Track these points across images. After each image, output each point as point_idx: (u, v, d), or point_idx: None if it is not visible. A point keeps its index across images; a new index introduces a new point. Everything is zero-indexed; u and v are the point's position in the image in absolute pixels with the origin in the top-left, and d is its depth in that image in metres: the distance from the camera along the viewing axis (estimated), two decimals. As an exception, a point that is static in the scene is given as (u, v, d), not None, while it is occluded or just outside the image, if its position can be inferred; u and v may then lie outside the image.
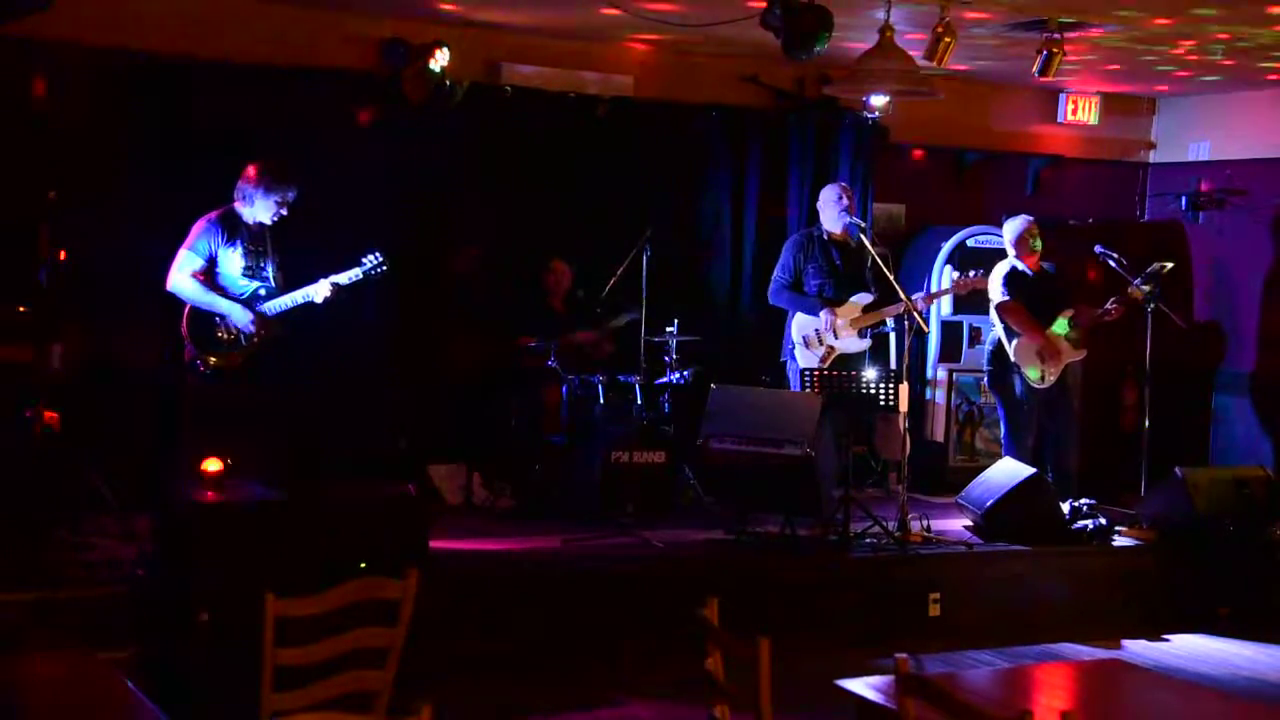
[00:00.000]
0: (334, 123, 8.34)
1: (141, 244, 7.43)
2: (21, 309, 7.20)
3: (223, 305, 6.93)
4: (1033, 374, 8.50)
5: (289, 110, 8.21)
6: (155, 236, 7.20)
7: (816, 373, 7.91)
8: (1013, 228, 8.67)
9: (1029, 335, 8.51)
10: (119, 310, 7.80)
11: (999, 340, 8.64)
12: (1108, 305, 8.52)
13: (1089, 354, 8.72)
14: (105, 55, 7.82)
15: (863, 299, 8.28)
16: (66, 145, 7.72)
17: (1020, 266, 8.61)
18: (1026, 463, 8.38)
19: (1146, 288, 8.59)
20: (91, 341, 7.77)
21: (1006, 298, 8.52)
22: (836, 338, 8.21)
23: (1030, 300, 8.54)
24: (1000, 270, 8.63)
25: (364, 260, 7.04)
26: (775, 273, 8.47)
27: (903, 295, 7.84)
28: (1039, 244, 8.58)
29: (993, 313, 8.65)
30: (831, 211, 8.35)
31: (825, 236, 8.38)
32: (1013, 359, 8.53)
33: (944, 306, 9.91)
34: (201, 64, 8.03)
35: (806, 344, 8.26)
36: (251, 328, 6.93)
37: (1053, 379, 8.55)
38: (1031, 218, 8.72)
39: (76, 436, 7.18)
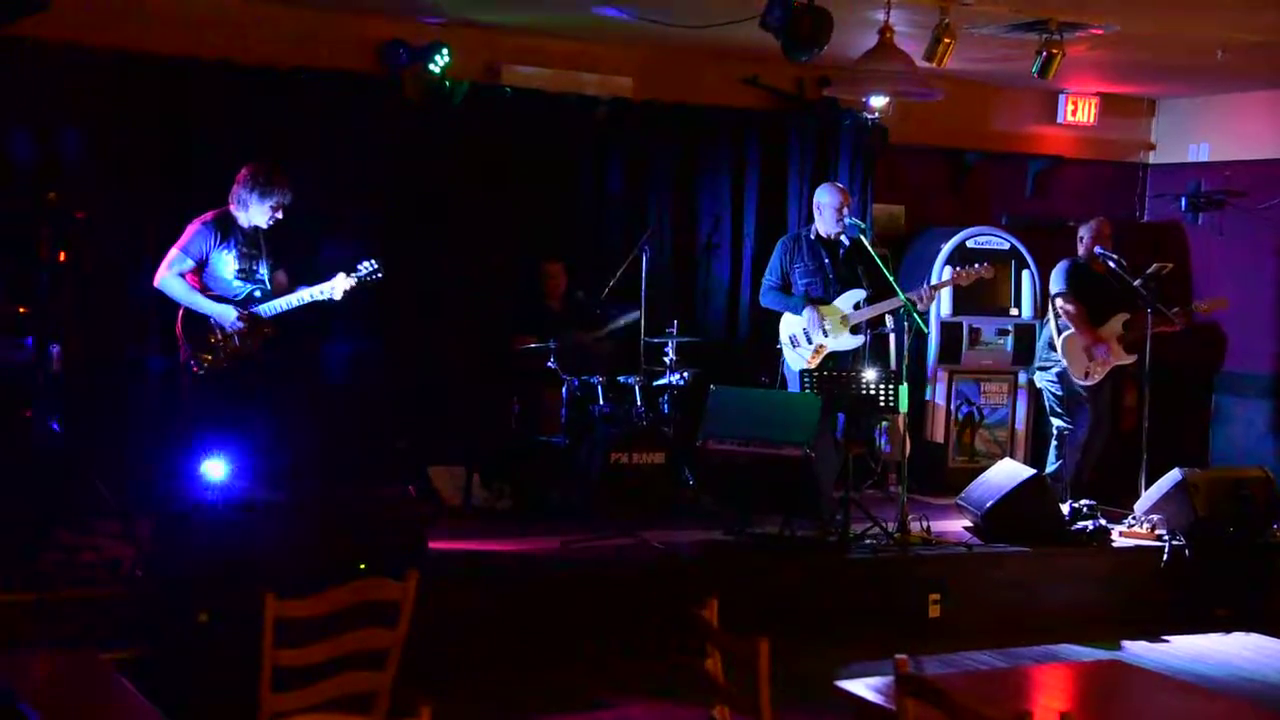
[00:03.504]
0: (334, 124, 8.34)
1: (140, 245, 7.42)
2: (21, 309, 7.20)
3: (208, 307, 6.90)
4: (1076, 369, 8.62)
5: (289, 111, 8.21)
6: (154, 237, 7.20)
7: (816, 373, 7.91)
8: (1087, 225, 8.92)
9: (1079, 330, 8.62)
10: (118, 311, 7.80)
11: (1051, 335, 8.81)
12: (1171, 315, 8.62)
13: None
14: (105, 55, 7.81)
15: (854, 296, 8.27)
16: (67, 146, 7.71)
17: (1083, 262, 8.80)
18: (1079, 459, 8.64)
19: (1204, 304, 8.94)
20: (91, 342, 7.77)
21: (1063, 289, 8.70)
22: (826, 335, 8.21)
23: (1088, 298, 8.68)
24: (1062, 264, 8.83)
25: (359, 266, 7.03)
26: (765, 276, 8.50)
27: (899, 292, 7.85)
28: (1107, 243, 8.78)
29: (1053, 308, 8.83)
30: (830, 215, 8.32)
31: (814, 237, 8.37)
32: (1059, 352, 8.61)
33: (944, 308, 9.91)
34: (201, 64, 8.03)
35: (794, 344, 8.27)
36: (239, 327, 6.91)
37: (1098, 378, 8.66)
38: (1104, 218, 8.98)
39: (76, 438, 7.17)
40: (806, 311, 8.20)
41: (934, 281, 9.10)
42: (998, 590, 7.69)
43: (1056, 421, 8.94)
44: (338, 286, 6.97)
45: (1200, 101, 10.79)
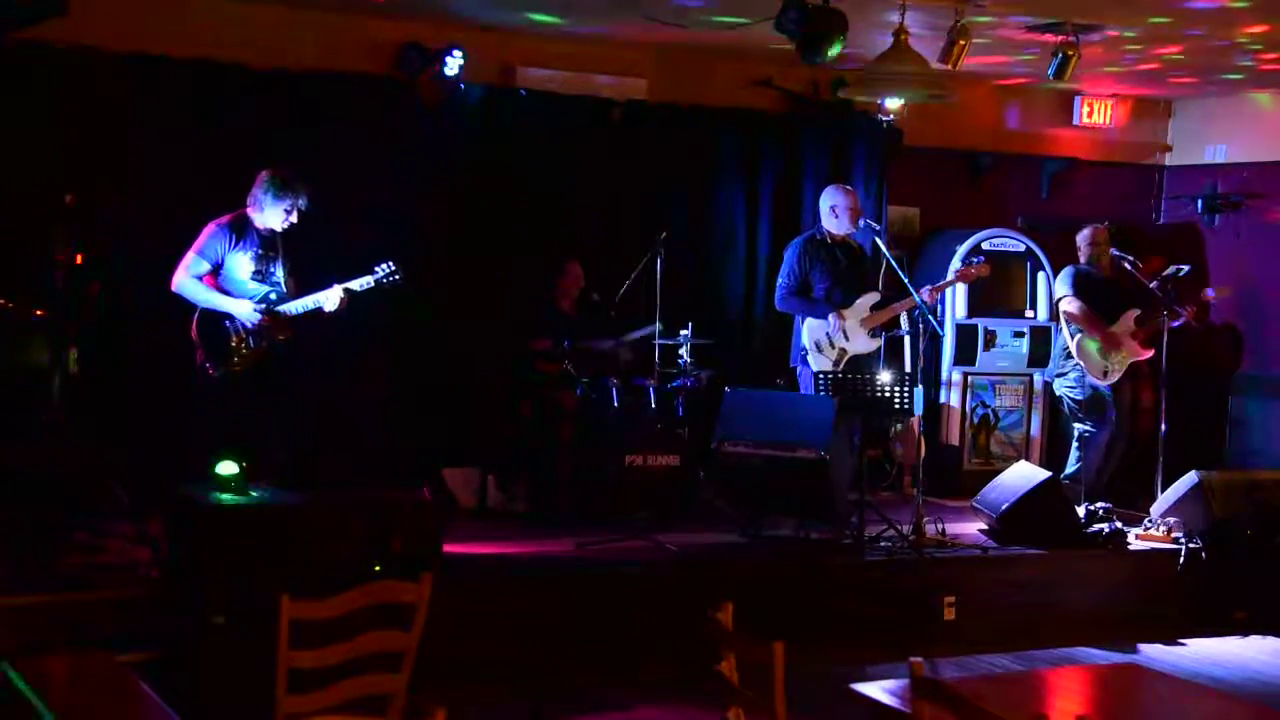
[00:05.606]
0: (349, 127, 8.35)
1: (157, 247, 7.44)
2: (39, 311, 7.22)
3: (226, 304, 6.91)
4: (1094, 370, 8.65)
5: (305, 114, 8.23)
6: (171, 240, 7.22)
7: (831, 376, 7.89)
8: (1082, 233, 9.02)
9: (1091, 332, 8.64)
10: (134, 314, 7.83)
11: (1065, 341, 8.84)
12: (1179, 309, 8.62)
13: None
14: (121, 59, 7.85)
15: (870, 299, 8.25)
16: (83, 149, 7.75)
17: (1085, 267, 8.84)
18: (1101, 461, 8.66)
19: (1213, 292, 9.04)
20: (107, 345, 7.79)
21: (1068, 293, 8.75)
22: (847, 339, 8.19)
23: (1094, 299, 8.73)
24: (1066, 270, 8.90)
25: (377, 269, 7.03)
26: (780, 279, 8.40)
27: (914, 292, 7.85)
28: (1106, 247, 8.85)
29: (1061, 314, 8.86)
30: (846, 217, 8.28)
31: (828, 239, 8.34)
32: (1075, 356, 8.62)
33: (959, 309, 9.89)
34: (216, 68, 8.06)
35: (819, 348, 8.22)
36: (258, 319, 6.92)
37: (1116, 376, 8.72)
38: (1101, 224, 9.06)
39: (92, 440, 7.20)
40: (832, 317, 8.15)
41: (936, 283, 9.08)
42: (1013, 593, 7.67)
43: (1078, 425, 8.92)
44: (330, 297, 6.96)
45: (1217, 103, 10.76)
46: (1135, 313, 8.76)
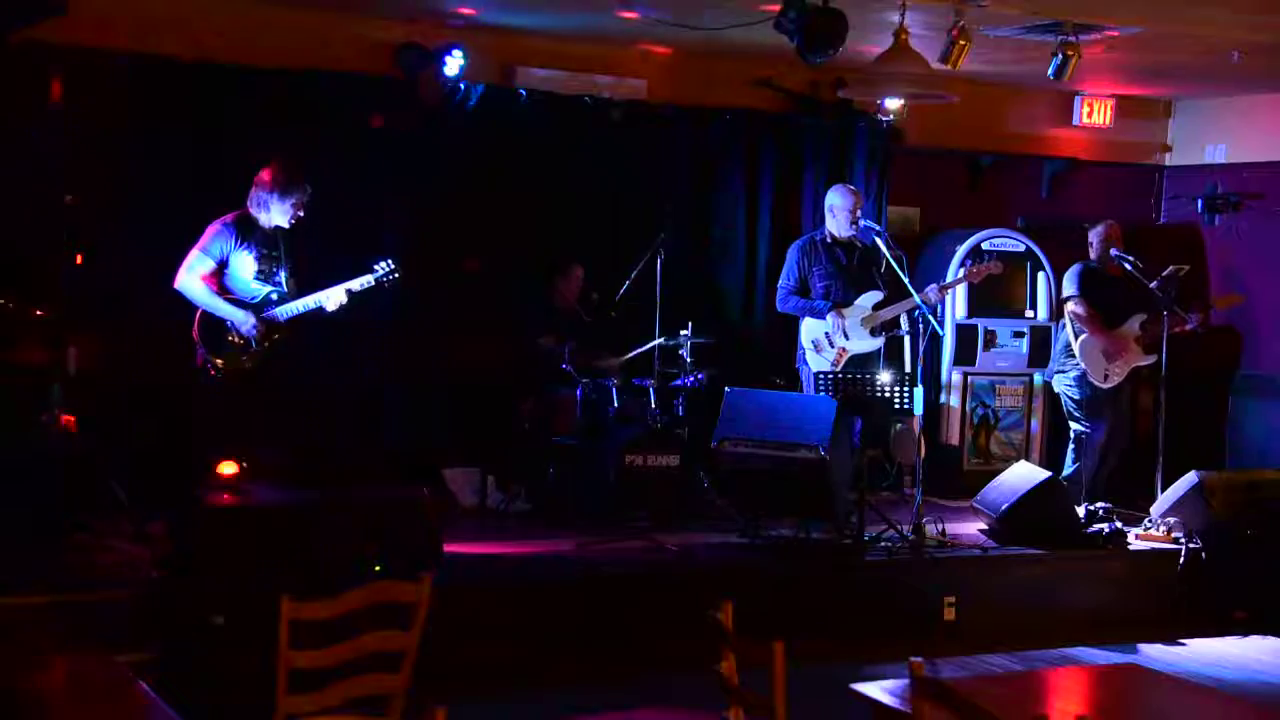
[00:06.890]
0: (349, 127, 8.35)
1: (157, 247, 7.45)
2: (39, 312, 7.23)
3: (226, 310, 6.92)
4: (1096, 372, 8.65)
5: (304, 114, 8.22)
6: (171, 240, 7.22)
7: (831, 376, 7.90)
8: (1096, 229, 8.98)
9: (1093, 333, 8.62)
10: (135, 314, 7.82)
11: (1068, 339, 8.83)
12: (1189, 317, 8.60)
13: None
14: (122, 59, 7.84)
15: (872, 297, 8.25)
16: (84, 149, 7.74)
17: (1093, 264, 8.84)
18: (1096, 462, 8.65)
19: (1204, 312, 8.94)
20: (107, 345, 7.79)
21: (1074, 293, 8.74)
22: (847, 338, 8.20)
23: (1101, 300, 8.71)
24: (1074, 268, 8.86)
25: (376, 267, 7.04)
26: (780, 281, 8.45)
27: (914, 293, 7.85)
28: (1116, 246, 8.81)
29: (1067, 313, 8.87)
30: (843, 218, 8.30)
31: (829, 239, 8.35)
32: (1077, 356, 8.62)
33: (959, 309, 9.89)
34: (218, 68, 8.05)
35: (817, 348, 8.24)
36: (255, 332, 6.93)
37: (1117, 379, 8.69)
38: (1112, 221, 9.02)
39: (93, 439, 7.19)
40: (830, 315, 8.17)
41: (946, 280, 9.09)
42: (1013, 593, 7.67)
43: (1075, 425, 8.92)
44: (331, 297, 6.97)
45: (1217, 103, 10.75)
46: (1141, 317, 8.74)
